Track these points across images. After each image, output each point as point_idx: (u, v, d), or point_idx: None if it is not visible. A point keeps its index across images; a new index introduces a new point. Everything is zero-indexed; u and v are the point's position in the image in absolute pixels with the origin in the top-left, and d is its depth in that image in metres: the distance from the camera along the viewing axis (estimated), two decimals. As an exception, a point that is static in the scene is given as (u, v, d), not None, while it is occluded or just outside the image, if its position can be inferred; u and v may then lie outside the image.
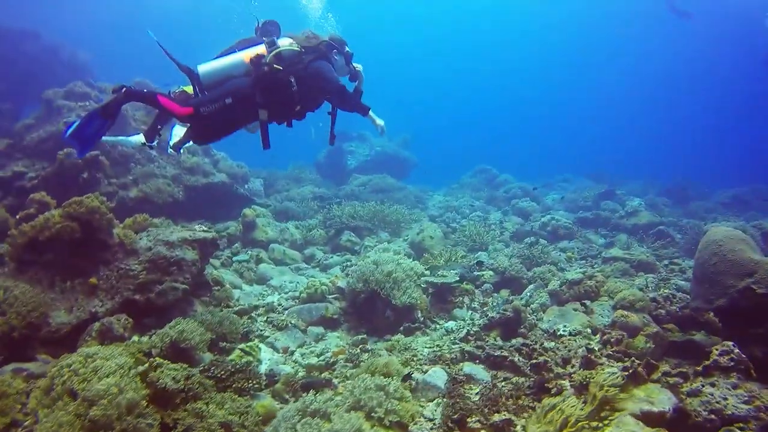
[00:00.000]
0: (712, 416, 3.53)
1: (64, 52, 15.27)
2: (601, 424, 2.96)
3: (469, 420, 3.64)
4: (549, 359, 4.08)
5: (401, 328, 5.74)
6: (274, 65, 4.15)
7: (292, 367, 4.84)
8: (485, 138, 47.87)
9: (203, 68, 4.23)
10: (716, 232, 5.09)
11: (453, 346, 4.99)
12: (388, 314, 5.91)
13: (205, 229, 6.17)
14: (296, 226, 9.37)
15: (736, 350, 3.88)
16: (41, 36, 15.09)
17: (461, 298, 6.45)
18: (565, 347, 4.15)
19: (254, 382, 3.97)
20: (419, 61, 52.43)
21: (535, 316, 5.66)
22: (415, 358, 4.82)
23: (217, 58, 4.37)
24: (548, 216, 10.38)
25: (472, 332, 5.34)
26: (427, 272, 7.04)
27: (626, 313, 4.52)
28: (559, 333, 4.72)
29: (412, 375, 4.39)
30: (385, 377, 4.11)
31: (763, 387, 4.24)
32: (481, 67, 52.82)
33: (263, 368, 4.81)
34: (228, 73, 4.22)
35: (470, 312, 6.18)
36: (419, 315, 5.97)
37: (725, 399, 3.60)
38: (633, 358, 4.11)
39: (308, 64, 4.31)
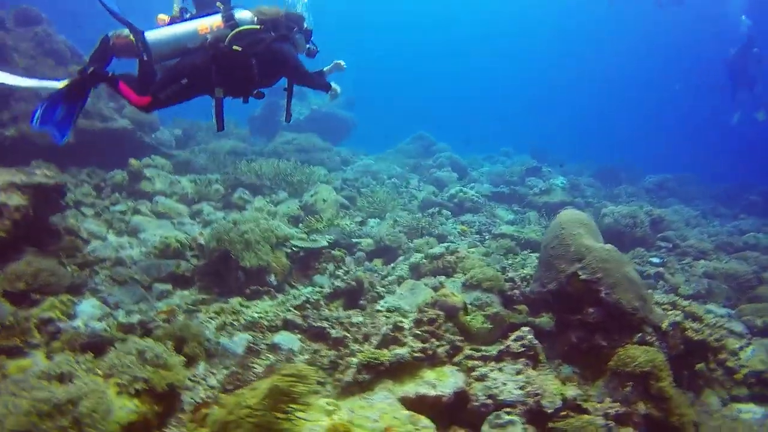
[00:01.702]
0: (489, 401, 3.48)
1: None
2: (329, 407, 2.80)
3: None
4: (348, 335, 3.91)
5: (247, 290, 5.53)
6: (234, 46, 3.91)
7: (107, 325, 4.56)
8: (439, 107, 47.27)
9: (153, 36, 3.91)
10: (563, 215, 5.00)
11: (283, 314, 4.80)
12: (240, 276, 5.68)
13: (48, 174, 5.70)
14: (193, 180, 8.91)
15: (529, 336, 3.83)
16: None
17: (325, 265, 6.25)
18: (372, 323, 3.99)
19: (26, 338, 3.68)
20: (382, 25, 50.92)
21: (386, 288, 5.51)
22: (236, 323, 4.62)
23: (169, 24, 4.07)
24: (457, 188, 10.23)
25: (312, 300, 5.16)
26: (304, 235, 6.82)
27: (448, 292, 4.41)
28: (376, 308, 4.58)
29: (219, 341, 4.21)
30: (177, 341, 3.91)
31: (552, 371, 4.24)
32: (442, 37, 51.75)
33: (76, 323, 4.53)
34: (180, 45, 3.98)
35: (330, 279, 6.00)
36: (273, 279, 5.77)
37: (505, 384, 3.54)
38: (439, 338, 4.02)
39: (269, 45, 4.08)
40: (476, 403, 3.47)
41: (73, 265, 5.55)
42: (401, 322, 3.98)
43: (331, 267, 6.25)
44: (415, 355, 3.60)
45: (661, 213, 8.79)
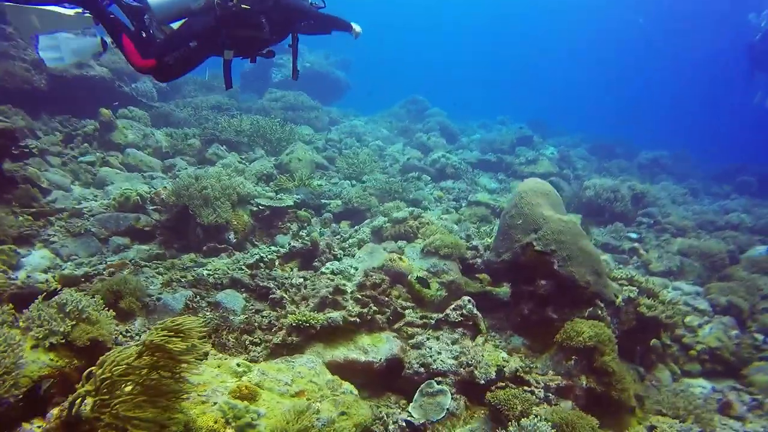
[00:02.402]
0: (421, 369, 3.41)
1: None
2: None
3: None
4: (286, 296, 3.81)
5: (204, 247, 5.42)
6: (242, 5, 3.69)
7: (51, 277, 4.48)
8: (439, 73, 46.04)
9: (156, 1, 3.60)
10: (525, 183, 4.82)
11: (232, 272, 4.70)
12: (198, 232, 5.56)
13: (1, 119, 5.49)
14: (168, 133, 8.68)
15: (469, 306, 3.72)
16: None
17: (289, 224, 6.12)
18: (313, 286, 3.88)
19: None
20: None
21: (345, 251, 5.39)
22: (183, 280, 4.52)
23: None
24: (439, 153, 9.98)
25: (266, 259, 5.05)
26: (271, 193, 6.68)
27: (395, 257, 4.27)
28: (321, 270, 4.46)
29: (161, 296, 4.12)
30: (114, 296, 3.83)
31: (501, 342, 4.17)
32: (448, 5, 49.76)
33: (18, 274, 4.44)
34: (184, 6, 3.71)
35: (291, 239, 5.88)
36: (232, 236, 5.64)
37: (439, 353, 3.46)
38: (381, 303, 3.92)
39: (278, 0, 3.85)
40: (410, 371, 3.41)
41: (26, 215, 5.43)
42: (344, 285, 3.87)
43: (294, 227, 6.12)
44: (351, 319, 3.50)
45: (644, 189, 8.57)
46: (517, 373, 3.68)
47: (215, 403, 2.38)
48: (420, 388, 3.28)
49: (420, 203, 7.68)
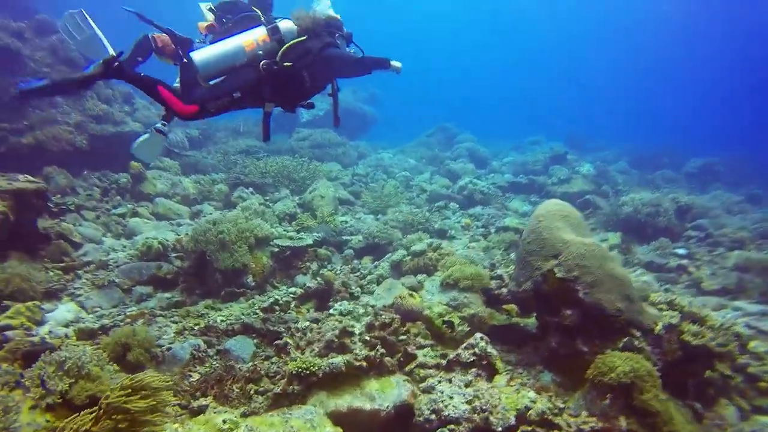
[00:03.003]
0: (433, 416, 3.12)
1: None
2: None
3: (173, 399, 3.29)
4: (291, 341, 3.65)
5: (222, 293, 5.39)
6: (285, 63, 3.86)
7: (73, 331, 4.54)
8: (464, 98, 45.61)
9: (200, 57, 3.77)
10: (542, 206, 4.50)
11: (244, 317, 4.60)
12: (217, 277, 5.55)
13: (30, 179, 5.78)
14: (197, 180, 8.93)
15: (482, 344, 3.41)
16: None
17: (309, 264, 6.02)
18: (318, 330, 3.70)
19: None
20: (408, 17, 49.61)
21: (363, 288, 5.21)
22: (195, 327, 4.47)
23: (214, 42, 3.96)
24: (467, 179, 9.71)
25: (281, 302, 4.94)
26: (293, 233, 6.65)
27: (406, 294, 4.03)
28: (329, 312, 4.27)
29: (170, 347, 4.06)
30: (122, 348, 3.81)
31: (529, 379, 3.81)
32: (468, 26, 49.74)
33: (43, 329, 4.53)
34: (228, 64, 3.85)
35: (312, 279, 5.76)
36: (250, 279, 5.59)
37: (451, 398, 3.16)
38: (390, 345, 3.68)
39: (318, 53, 4.00)
40: (420, 419, 3.12)
41: (56, 269, 5.61)
42: (352, 326, 3.66)
43: (314, 266, 6.01)
44: (356, 363, 3.28)
45: (691, 200, 7.92)
46: (545, 416, 3.31)
47: (195, 467, 2.21)
48: (433, 438, 2.98)
49: (446, 233, 7.42)
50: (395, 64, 4.52)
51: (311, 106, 4.43)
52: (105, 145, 9.50)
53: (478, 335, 3.49)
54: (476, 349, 3.36)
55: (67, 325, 4.64)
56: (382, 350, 3.46)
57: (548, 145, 16.00)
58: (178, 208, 8.12)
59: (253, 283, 5.61)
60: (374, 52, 4.51)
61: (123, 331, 3.90)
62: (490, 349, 3.38)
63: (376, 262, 5.97)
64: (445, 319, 4.34)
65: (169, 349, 4.04)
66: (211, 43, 4.03)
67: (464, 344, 3.44)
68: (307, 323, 3.95)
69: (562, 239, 4.02)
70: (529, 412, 3.32)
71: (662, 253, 6.93)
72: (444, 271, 5.00)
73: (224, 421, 2.51)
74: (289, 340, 3.65)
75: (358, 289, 5.18)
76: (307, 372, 3.17)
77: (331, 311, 4.36)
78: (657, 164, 14.82)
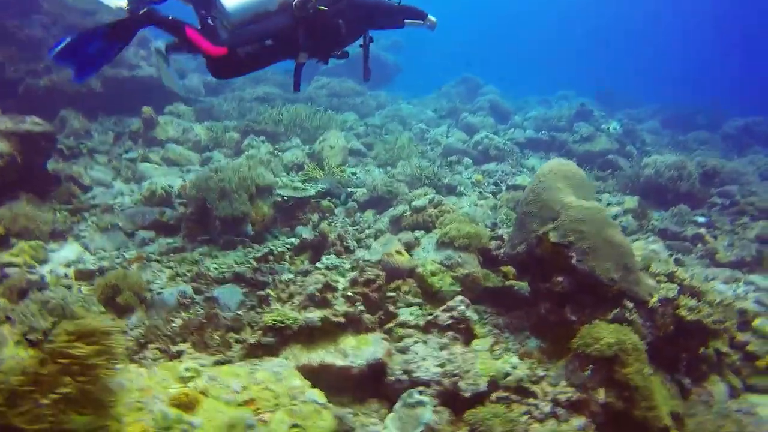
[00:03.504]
0: (404, 376, 3.11)
1: None
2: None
3: (150, 346, 3.38)
4: (273, 293, 3.65)
5: (221, 241, 5.43)
6: (319, 6, 3.65)
7: (72, 271, 4.67)
8: (496, 46, 42.97)
9: (231, 4, 3.53)
10: (546, 165, 4.28)
11: (236, 266, 4.64)
12: (217, 224, 5.58)
13: (38, 122, 5.81)
14: (209, 127, 8.88)
15: (461, 307, 3.34)
16: None
17: (310, 215, 5.99)
18: (302, 283, 3.68)
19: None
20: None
21: (357, 243, 5.16)
22: (188, 273, 4.54)
23: None
24: (483, 134, 9.34)
25: (276, 252, 4.96)
26: (298, 183, 6.60)
27: (393, 251, 3.95)
28: (316, 266, 4.24)
29: (161, 292, 4.15)
30: (112, 291, 3.91)
31: (514, 343, 3.75)
32: None
33: (46, 268, 4.67)
34: (261, 10, 3.64)
35: (311, 231, 5.74)
36: (249, 228, 5.61)
37: (424, 360, 3.13)
38: (372, 302, 3.64)
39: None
40: (392, 378, 3.12)
41: (64, 211, 5.74)
42: (335, 281, 3.63)
43: (315, 218, 5.97)
44: (334, 320, 3.26)
45: (718, 164, 7.42)
46: (521, 383, 3.27)
47: (151, 411, 2.25)
48: (401, 397, 2.98)
49: (455, 189, 7.23)
50: (431, 18, 4.30)
51: (345, 55, 4.21)
52: (119, 89, 9.50)
53: (458, 298, 3.42)
54: (455, 312, 3.29)
55: (68, 265, 4.78)
56: (362, 307, 3.43)
57: (577, 101, 15.24)
58: (189, 154, 8.13)
59: (252, 232, 5.62)
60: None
61: (114, 275, 3.98)
62: (469, 313, 3.31)
63: (377, 216, 5.89)
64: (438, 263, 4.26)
65: (159, 293, 4.12)
66: None
67: (443, 306, 3.38)
68: (292, 276, 3.94)
69: (561, 201, 3.82)
70: (508, 378, 3.28)
71: (680, 220, 6.60)
72: (442, 229, 4.88)
73: (186, 369, 2.54)
74: (270, 292, 3.66)
75: (355, 243, 5.13)
76: (282, 325, 3.17)
77: (317, 264, 4.33)
78: (693, 124, 13.97)
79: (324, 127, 9.06)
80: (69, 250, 5.14)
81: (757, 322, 4.45)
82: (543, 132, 10.68)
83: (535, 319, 3.96)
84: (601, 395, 3.22)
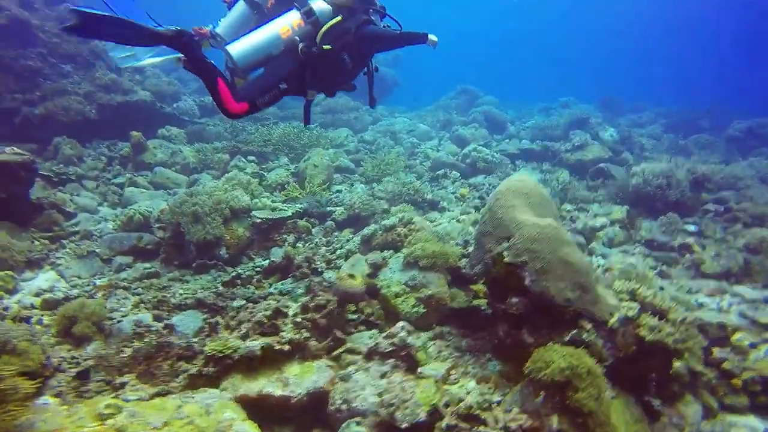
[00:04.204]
0: (344, 406, 3.03)
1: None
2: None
3: (95, 378, 3.37)
4: (222, 321, 3.62)
5: (194, 264, 5.44)
6: (324, 46, 3.69)
7: (39, 301, 4.70)
8: (493, 59, 42.67)
9: (236, 50, 3.58)
10: (505, 182, 4.19)
11: (200, 292, 4.63)
12: (191, 249, 5.60)
13: (18, 151, 5.94)
14: (198, 149, 8.98)
15: (402, 334, 3.26)
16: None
17: (285, 236, 5.97)
18: (251, 310, 3.64)
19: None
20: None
21: (327, 264, 5.11)
22: (152, 300, 4.54)
23: (247, 33, 3.71)
24: (472, 146, 9.24)
25: (244, 276, 4.94)
26: (279, 203, 6.61)
27: (345, 275, 3.88)
28: (268, 291, 4.19)
29: (121, 320, 4.15)
30: (69, 321, 3.91)
31: (474, 367, 3.64)
32: None
33: (13, 299, 4.72)
34: (266, 54, 3.67)
35: (281, 253, 5.71)
36: (223, 252, 5.61)
37: (363, 389, 3.05)
38: (316, 328, 3.58)
39: (355, 33, 3.87)
40: (332, 408, 3.04)
41: (43, 239, 5.83)
42: (286, 307, 3.58)
43: (291, 238, 5.95)
44: (277, 347, 3.21)
45: (709, 170, 7.17)
46: (472, 410, 3.15)
47: (63, 454, 2.22)
48: (341, 428, 2.90)
49: (437, 204, 7.15)
50: (432, 38, 4.30)
51: (352, 87, 4.28)
52: (114, 114, 9.67)
53: (400, 324, 3.33)
54: (395, 339, 3.20)
55: (38, 295, 4.82)
56: (307, 334, 3.37)
57: (578, 108, 15.03)
58: (177, 177, 8.22)
59: (227, 255, 5.62)
60: (397, 15, 4.24)
61: (73, 305, 4.00)
62: (410, 339, 3.22)
63: (350, 236, 5.84)
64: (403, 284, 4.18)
65: (120, 322, 4.12)
66: (244, 34, 3.74)
67: (385, 332, 3.29)
68: (243, 302, 3.91)
69: (515, 220, 3.72)
70: (459, 404, 3.17)
71: (669, 229, 6.39)
72: (408, 248, 4.80)
73: (107, 405, 2.51)
74: (220, 320, 3.63)
75: (324, 264, 5.08)
76: (222, 354, 3.13)
77: (271, 290, 4.29)
78: (697, 128, 13.63)
79: (313, 145, 9.09)
80: (43, 279, 5.19)
81: (735, 337, 4.26)
82: (537, 142, 10.52)
83: (495, 341, 3.85)
84: (554, 422, 3.09)
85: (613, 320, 3.50)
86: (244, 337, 3.39)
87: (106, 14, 2.99)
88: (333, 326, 3.60)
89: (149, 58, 3.75)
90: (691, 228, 6.50)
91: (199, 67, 3.34)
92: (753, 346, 4.21)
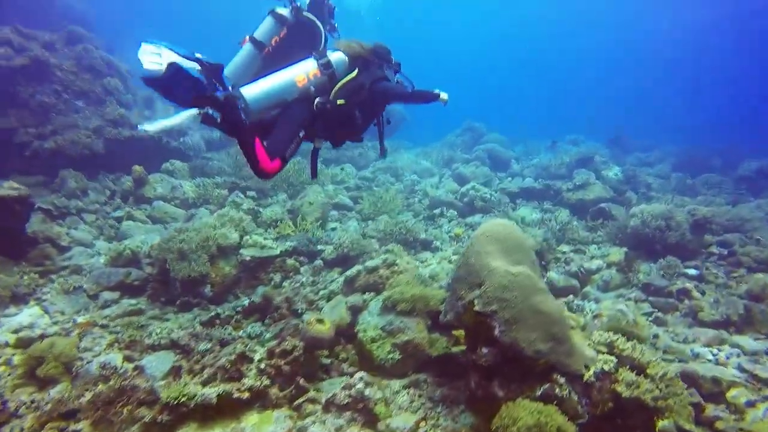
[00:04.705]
0: (298, 459, 2.87)
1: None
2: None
3: (48, 425, 3.30)
4: (184, 365, 3.53)
5: (177, 302, 5.41)
6: (338, 101, 3.78)
7: (13, 336, 4.68)
8: (503, 95, 43.08)
9: (250, 93, 3.59)
10: (482, 226, 4.10)
11: (174, 332, 4.56)
12: (177, 285, 5.58)
13: (15, 186, 6.08)
14: (198, 184, 9.10)
15: (359, 386, 3.13)
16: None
17: (272, 275, 5.92)
18: (216, 354, 3.56)
19: None
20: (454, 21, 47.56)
21: (308, 305, 5.02)
22: (126, 339, 4.48)
23: (263, 76, 3.73)
24: (470, 185, 9.18)
25: (223, 316, 4.87)
26: (271, 240, 6.59)
27: (313, 320, 3.79)
28: (238, 335, 4.10)
29: (91, 361, 4.10)
30: (35, 362, 3.88)
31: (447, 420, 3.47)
32: (512, 26, 46.78)
33: (-6, 335, 4.72)
34: (280, 99, 3.69)
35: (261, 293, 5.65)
36: (207, 290, 5.58)
37: (318, 442, 2.91)
38: (284, 375, 3.47)
39: (369, 89, 3.98)
40: (286, 463, 2.90)
41: (33, 273, 5.88)
42: (252, 352, 3.49)
43: (278, 277, 5.90)
44: (235, 395, 3.11)
45: (711, 212, 6.95)
46: (434, 470, 2.98)
47: None
48: (292, 487, 2.75)
49: (430, 244, 7.06)
50: (443, 96, 4.37)
51: (360, 140, 4.35)
52: (121, 148, 9.92)
53: (358, 376, 3.21)
54: (352, 391, 3.08)
55: (16, 331, 4.82)
56: (268, 381, 3.27)
57: (585, 146, 14.96)
58: (174, 211, 8.31)
59: (211, 293, 5.58)
60: (399, 56, 4.38)
61: (41, 345, 3.97)
62: (369, 391, 3.09)
63: (334, 276, 5.76)
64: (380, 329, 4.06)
65: (89, 362, 4.07)
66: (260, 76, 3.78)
67: (344, 384, 3.17)
68: (209, 345, 3.83)
69: (488, 266, 3.62)
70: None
71: (668, 273, 6.17)
72: (388, 291, 4.71)
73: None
74: (183, 364, 3.55)
75: (304, 305, 5.00)
76: (176, 402, 3.04)
77: (240, 333, 4.21)
78: (707, 167, 13.38)
79: (309, 182, 9.14)
80: (27, 314, 5.20)
81: (731, 394, 4.00)
82: (539, 180, 10.43)
83: (467, 392, 3.68)
84: (520, 486, 2.90)
85: (588, 374, 3.32)
86: (205, 382, 3.30)
87: (195, 76, 3.16)
88: (299, 373, 3.49)
89: (170, 119, 3.73)
90: (692, 272, 6.26)
91: (238, 130, 3.28)
92: (750, 404, 3.94)
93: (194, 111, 3.32)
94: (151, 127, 3.64)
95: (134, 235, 7.39)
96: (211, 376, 3.34)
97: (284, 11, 4.32)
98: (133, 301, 5.67)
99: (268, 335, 4.10)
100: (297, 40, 4.31)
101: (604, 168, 10.77)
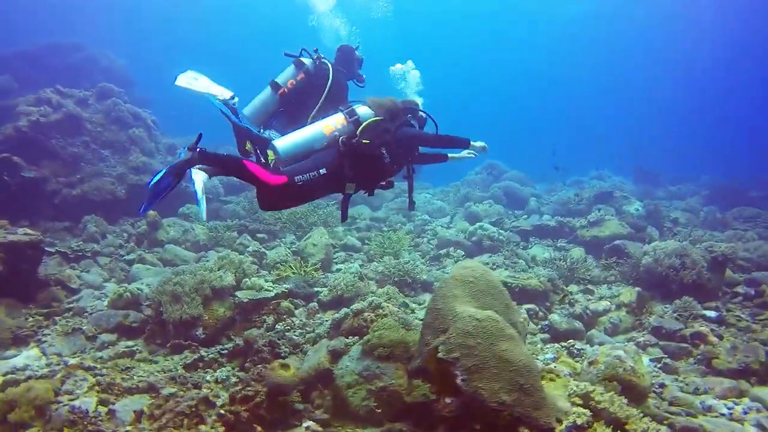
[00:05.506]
0: None
1: (103, 60, 17.12)
2: None
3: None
4: (146, 410, 3.49)
5: (168, 345, 5.44)
6: (363, 139, 3.93)
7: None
8: (531, 129, 42.78)
9: (282, 145, 3.84)
10: (453, 268, 3.96)
11: (153, 375, 4.56)
12: (170, 328, 5.63)
13: (29, 232, 6.41)
14: (210, 227, 9.34)
15: None
16: (84, 47, 17.11)
17: (265, 318, 5.89)
18: (177, 399, 3.51)
19: None
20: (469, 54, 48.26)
21: (293, 348, 4.94)
22: (106, 382, 4.50)
23: (293, 131, 4.02)
24: (477, 224, 8.98)
25: (206, 359, 4.85)
26: (270, 282, 6.62)
27: (276, 365, 3.70)
28: (206, 378, 4.03)
29: (67, 405, 4.12)
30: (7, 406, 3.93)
31: None
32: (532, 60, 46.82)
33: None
34: (309, 148, 3.91)
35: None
36: (200, 332, 5.59)
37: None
38: (238, 422, 3.36)
39: (395, 132, 4.13)
40: None
41: (38, 315, 6.08)
42: (216, 397, 3.43)
43: (270, 320, 5.86)
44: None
45: (730, 248, 6.46)
46: None
47: None
48: None
49: (431, 285, 6.88)
50: (477, 144, 4.41)
51: (390, 185, 4.35)
52: (141, 194, 10.37)
53: (308, 423, 3.06)
54: (299, 443, 2.94)
55: (7, 374, 4.93)
56: (221, 429, 3.17)
57: (610, 180, 14.51)
58: (185, 254, 8.50)
59: (203, 336, 5.58)
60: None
61: (16, 389, 4.02)
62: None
63: (326, 319, 5.67)
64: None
65: (65, 406, 4.09)
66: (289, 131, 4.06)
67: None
68: (174, 390, 3.78)
69: (453, 311, 3.46)
70: None
71: (683, 315, 5.72)
72: (368, 335, 4.58)
73: None
74: (145, 409, 3.51)
75: (288, 349, 4.91)
76: (123, 453, 2.98)
77: (208, 377, 4.15)
78: (745, 199, 12.66)
79: (318, 224, 9.21)
80: (24, 356, 5.32)
81: (741, 455, 3.57)
82: (556, 218, 10.12)
83: (438, 446, 3.45)
84: None
85: (560, 429, 3.05)
86: (161, 428, 3.24)
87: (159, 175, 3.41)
88: (259, 420, 3.38)
89: (203, 87, 4.08)
90: (711, 314, 5.79)
91: (225, 167, 3.54)
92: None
93: (228, 93, 4.00)
94: (183, 81, 4.04)
95: (143, 278, 7.58)
96: (169, 421, 3.27)
97: (306, 60, 4.68)
98: (130, 343, 5.74)
99: (233, 380, 4.03)
100: (312, 82, 4.60)
101: (624, 203, 10.37)
